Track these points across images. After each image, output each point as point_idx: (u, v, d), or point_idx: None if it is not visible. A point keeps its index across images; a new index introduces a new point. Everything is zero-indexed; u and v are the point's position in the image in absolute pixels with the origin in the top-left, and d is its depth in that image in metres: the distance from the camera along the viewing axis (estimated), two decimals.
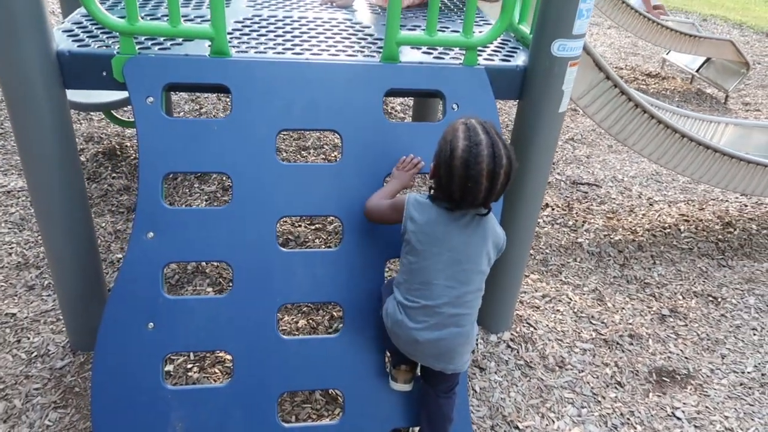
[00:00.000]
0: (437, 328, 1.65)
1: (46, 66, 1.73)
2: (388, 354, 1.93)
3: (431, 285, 1.64)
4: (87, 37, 1.95)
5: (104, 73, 1.83)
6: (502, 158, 1.53)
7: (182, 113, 4.31)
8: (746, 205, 3.86)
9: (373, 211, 1.82)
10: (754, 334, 2.70)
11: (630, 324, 2.68)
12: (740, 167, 3.12)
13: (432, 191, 1.69)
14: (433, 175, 1.66)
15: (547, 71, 2.01)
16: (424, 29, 1.97)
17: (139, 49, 1.87)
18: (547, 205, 3.60)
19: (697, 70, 6.27)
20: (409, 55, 2.09)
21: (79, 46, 1.85)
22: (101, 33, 2.00)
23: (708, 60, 6.20)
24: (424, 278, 1.65)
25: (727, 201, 3.89)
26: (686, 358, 2.53)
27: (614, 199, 3.79)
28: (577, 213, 3.57)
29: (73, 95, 2.99)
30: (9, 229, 2.91)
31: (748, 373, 2.48)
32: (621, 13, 5.94)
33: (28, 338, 2.30)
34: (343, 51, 2.09)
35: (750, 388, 2.40)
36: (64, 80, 1.82)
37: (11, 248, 2.78)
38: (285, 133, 4.09)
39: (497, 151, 1.53)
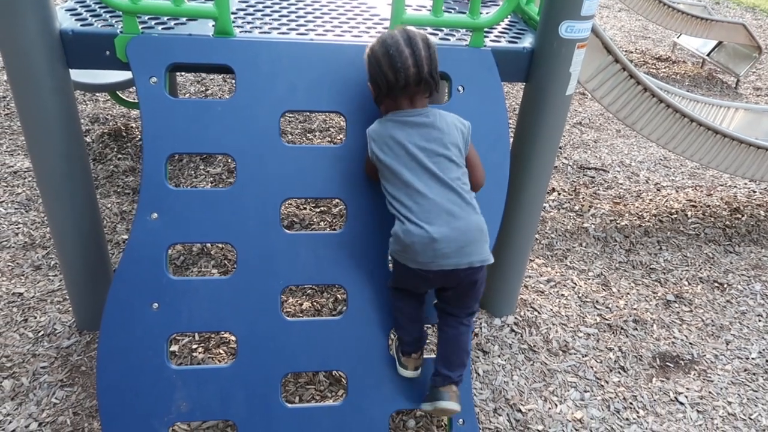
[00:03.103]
0: (446, 222, 1.65)
1: (49, 45, 1.72)
2: (393, 337, 1.94)
3: (414, 188, 1.68)
4: (90, 16, 1.94)
5: (107, 53, 1.82)
6: (415, 33, 1.68)
7: (188, 95, 4.30)
8: (755, 191, 3.82)
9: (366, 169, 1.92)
10: (759, 321, 2.69)
11: (635, 309, 2.67)
12: (749, 153, 3.09)
13: (382, 112, 1.81)
14: (376, 95, 1.77)
15: (554, 53, 1.98)
16: (429, 9, 1.94)
17: (142, 28, 1.85)
18: (553, 190, 3.58)
19: (708, 54, 6.18)
20: None
21: (82, 25, 1.84)
22: (105, 12, 1.98)
23: (719, 44, 6.11)
24: (405, 184, 1.69)
25: (735, 187, 3.86)
26: (690, 343, 2.52)
27: (621, 184, 3.77)
28: (583, 198, 3.55)
29: (79, 76, 2.98)
30: (16, 209, 2.93)
31: (753, 359, 2.47)
32: None
33: (35, 317, 2.32)
34: (349, 32, 2.06)
35: (754, 374, 2.39)
36: (67, 59, 1.81)
37: (18, 228, 2.79)
38: (291, 115, 4.07)
39: (409, 31, 1.69)
